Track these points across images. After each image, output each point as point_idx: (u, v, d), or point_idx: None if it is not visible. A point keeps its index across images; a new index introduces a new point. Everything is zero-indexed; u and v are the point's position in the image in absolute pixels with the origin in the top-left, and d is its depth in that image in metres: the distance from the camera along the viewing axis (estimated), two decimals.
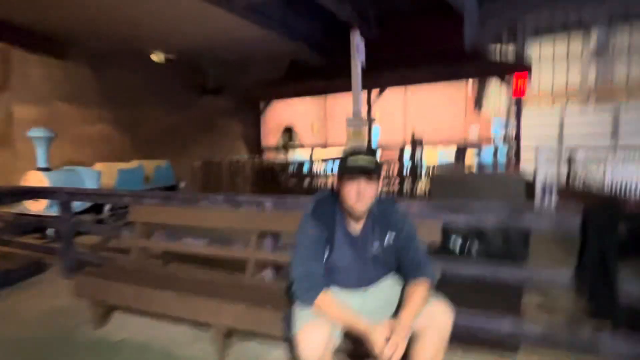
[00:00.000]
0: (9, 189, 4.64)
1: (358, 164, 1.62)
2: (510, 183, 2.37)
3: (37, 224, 4.55)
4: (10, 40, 6.96)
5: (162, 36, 8.50)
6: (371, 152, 1.70)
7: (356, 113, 5.45)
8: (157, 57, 9.49)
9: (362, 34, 5.91)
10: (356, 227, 1.76)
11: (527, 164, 8.45)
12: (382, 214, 1.76)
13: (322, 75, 9.96)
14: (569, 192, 5.60)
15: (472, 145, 10.05)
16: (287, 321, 1.77)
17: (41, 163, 5.98)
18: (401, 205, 1.85)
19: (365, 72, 6.48)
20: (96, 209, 6.37)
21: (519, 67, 7.97)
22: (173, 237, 3.27)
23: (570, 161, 5.90)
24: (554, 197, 6.71)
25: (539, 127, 10.20)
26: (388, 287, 1.81)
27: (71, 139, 7.98)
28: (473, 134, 12.50)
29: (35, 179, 5.75)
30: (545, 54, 10.60)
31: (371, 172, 1.62)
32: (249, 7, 7.79)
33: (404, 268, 1.76)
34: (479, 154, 9.87)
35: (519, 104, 8.30)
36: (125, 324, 2.88)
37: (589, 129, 9.70)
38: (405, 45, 9.55)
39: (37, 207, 5.80)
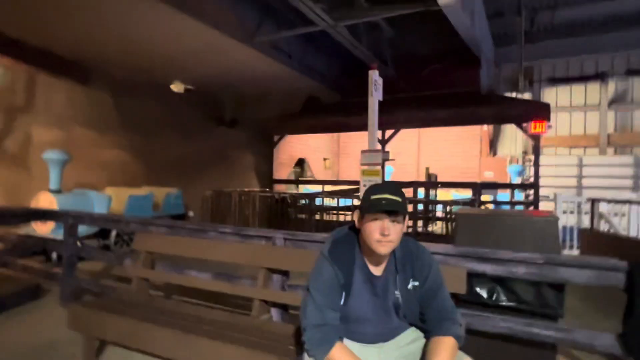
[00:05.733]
0: (12, 209, 4.58)
1: (383, 202, 1.47)
2: (544, 225, 2.19)
3: (41, 247, 4.43)
4: (37, 64, 7.18)
5: (182, 67, 8.72)
6: (397, 189, 1.56)
7: (372, 150, 5.38)
8: (176, 87, 9.71)
9: (379, 73, 5.97)
10: (377, 271, 1.60)
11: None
12: (406, 257, 1.60)
13: (337, 112, 10.06)
14: (592, 240, 5.33)
15: (489, 188, 9.85)
16: None
17: (53, 185, 5.96)
18: (427, 248, 1.69)
19: (380, 111, 6.48)
20: (102, 234, 6.27)
21: (536, 114, 7.90)
22: (177, 269, 3.13)
23: (592, 212, 5.68)
24: (576, 246, 6.45)
25: (555, 174, 10.03)
26: (408, 341, 1.61)
27: (87, 162, 8.02)
28: (488, 178, 12.36)
29: (46, 200, 5.72)
30: (562, 101, 10.62)
31: (397, 211, 1.48)
32: (269, 44, 8.00)
33: (428, 321, 1.58)
34: (494, 199, 9.66)
35: (536, 151, 8.18)
36: None
37: (608, 178, 9.49)
38: (421, 87, 9.64)
39: (43, 229, 5.73)
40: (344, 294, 1.56)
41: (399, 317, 1.60)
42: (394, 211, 1.48)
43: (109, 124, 8.78)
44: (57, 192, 5.94)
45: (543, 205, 7.92)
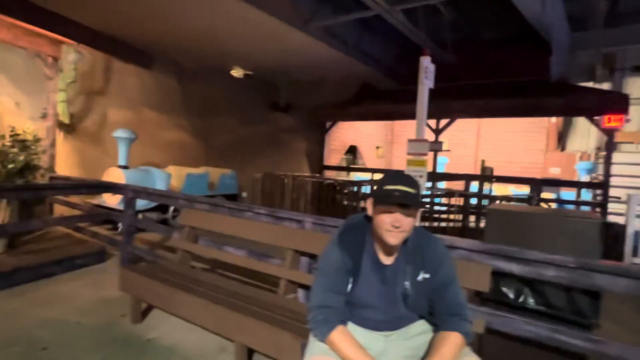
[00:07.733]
0: (85, 181, 5.14)
1: (396, 193, 1.46)
2: (583, 227, 2.03)
3: (107, 217, 4.95)
4: (112, 52, 7.89)
5: (242, 54, 9.03)
6: (412, 180, 1.53)
7: (419, 139, 5.23)
8: (236, 72, 10.10)
9: (436, 59, 5.72)
10: (387, 260, 1.60)
11: (616, 215, 7.47)
12: (418, 248, 1.59)
13: (391, 99, 9.84)
14: None
15: (550, 185, 9.13)
16: (304, 349, 1.65)
17: (121, 161, 6.57)
18: (442, 241, 1.66)
19: (436, 99, 6.24)
20: (163, 208, 6.80)
21: (614, 107, 7.09)
22: (217, 244, 3.34)
23: None
24: None
25: (635, 173, 9.02)
26: (416, 333, 1.61)
27: (152, 142, 8.71)
28: (553, 175, 11.43)
29: (114, 175, 6.32)
30: None
31: (409, 204, 1.47)
32: (324, 30, 7.99)
33: (436, 314, 1.56)
34: (557, 197, 8.93)
35: (610, 147, 7.39)
36: (161, 323, 2.95)
37: None
38: (484, 74, 9.07)
39: (112, 200, 6.35)
40: (351, 279, 1.58)
41: (407, 307, 1.59)
42: (406, 204, 1.46)
43: (174, 107, 9.41)
44: (125, 167, 6.53)
45: (614, 207, 7.18)
